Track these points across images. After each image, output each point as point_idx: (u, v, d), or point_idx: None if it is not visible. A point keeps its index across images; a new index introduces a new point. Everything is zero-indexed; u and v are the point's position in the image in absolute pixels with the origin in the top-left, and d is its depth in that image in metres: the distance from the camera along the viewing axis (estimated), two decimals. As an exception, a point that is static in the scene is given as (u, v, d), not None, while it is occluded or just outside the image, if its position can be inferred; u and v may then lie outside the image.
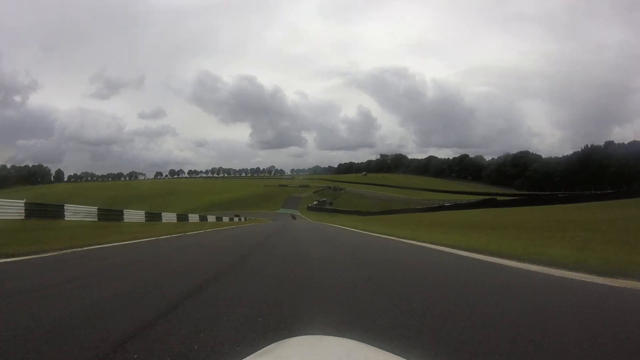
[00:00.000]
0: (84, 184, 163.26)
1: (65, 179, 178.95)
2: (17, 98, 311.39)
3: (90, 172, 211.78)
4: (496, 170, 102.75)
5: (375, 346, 0.85)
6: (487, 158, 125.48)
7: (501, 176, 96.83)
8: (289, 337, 1.01)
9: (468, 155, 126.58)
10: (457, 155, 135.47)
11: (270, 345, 0.84)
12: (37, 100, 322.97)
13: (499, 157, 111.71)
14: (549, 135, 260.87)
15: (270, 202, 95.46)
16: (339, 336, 0.94)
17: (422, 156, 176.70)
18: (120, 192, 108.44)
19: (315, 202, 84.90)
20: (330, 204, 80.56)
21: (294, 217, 63.65)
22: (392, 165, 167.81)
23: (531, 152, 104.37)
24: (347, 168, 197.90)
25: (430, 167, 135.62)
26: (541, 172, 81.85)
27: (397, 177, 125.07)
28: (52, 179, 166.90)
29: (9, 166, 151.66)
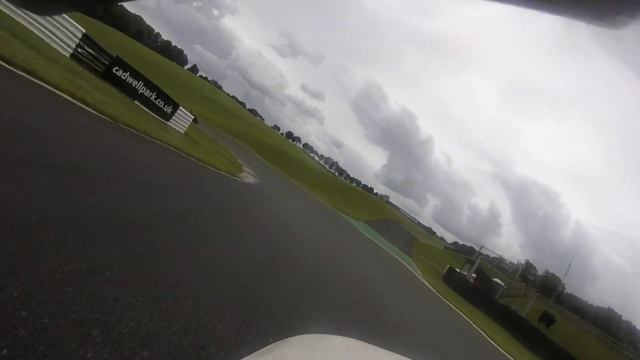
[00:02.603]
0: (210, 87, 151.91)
1: (197, 74, 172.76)
2: (215, 12, 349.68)
3: (221, 84, 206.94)
4: None
5: (376, 345, 0.88)
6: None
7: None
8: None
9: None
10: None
11: (270, 345, 0.85)
12: (229, 23, 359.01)
13: None
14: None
15: (343, 197, 51.90)
16: (340, 335, 0.96)
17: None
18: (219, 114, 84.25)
19: (472, 276, 35.83)
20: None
21: (194, 116, 26.32)
22: (538, 282, 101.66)
23: None
24: (468, 251, 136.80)
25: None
26: None
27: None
28: (186, 68, 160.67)
29: (155, 31, 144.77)
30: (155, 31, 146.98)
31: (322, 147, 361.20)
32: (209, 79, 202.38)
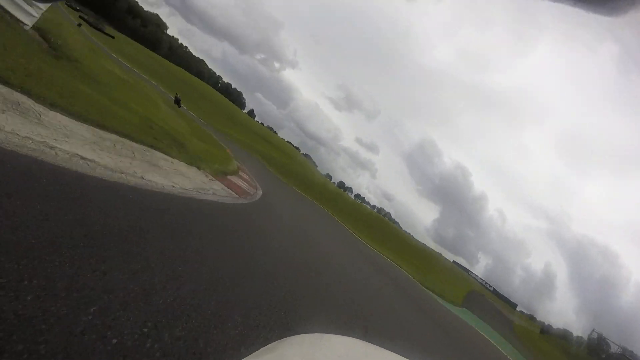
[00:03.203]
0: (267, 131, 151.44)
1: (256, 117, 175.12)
2: (277, 64, 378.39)
3: (275, 129, 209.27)
4: None
5: (376, 344, 0.88)
6: None
7: None
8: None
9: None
10: None
11: (270, 344, 0.84)
12: (288, 76, 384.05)
13: None
14: None
15: (414, 258, 38.29)
16: (340, 335, 0.96)
17: None
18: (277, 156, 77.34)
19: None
20: None
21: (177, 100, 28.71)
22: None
23: None
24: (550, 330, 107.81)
25: None
26: None
27: None
28: (243, 110, 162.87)
29: (217, 74, 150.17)
30: (217, 74, 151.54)
31: (373, 199, 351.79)
32: (265, 125, 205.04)
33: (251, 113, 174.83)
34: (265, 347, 0.80)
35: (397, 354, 0.81)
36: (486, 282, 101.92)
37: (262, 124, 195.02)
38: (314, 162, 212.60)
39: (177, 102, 29.65)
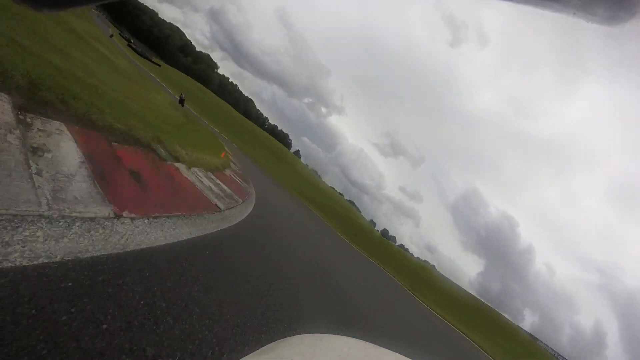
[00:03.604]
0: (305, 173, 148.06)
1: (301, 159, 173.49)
2: (323, 109, 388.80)
3: (319, 172, 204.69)
4: None
5: (376, 344, 0.88)
6: None
7: None
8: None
9: None
10: None
11: (270, 344, 0.84)
12: (334, 121, 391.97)
13: None
14: None
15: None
16: (340, 335, 0.94)
17: None
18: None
19: None
20: None
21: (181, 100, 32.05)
22: None
23: None
24: None
25: None
26: None
27: None
28: (290, 149, 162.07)
29: (264, 115, 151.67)
30: (264, 115, 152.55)
31: (416, 251, 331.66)
32: (309, 167, 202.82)
33: (297, 154, 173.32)
34: (265, 347, 0.79)
35: (399, 354, 0.80)
36: (557, 353, 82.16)
37: (307, 165, 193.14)
38: (357, 208, 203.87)
39: (181, 101, 31.57)
